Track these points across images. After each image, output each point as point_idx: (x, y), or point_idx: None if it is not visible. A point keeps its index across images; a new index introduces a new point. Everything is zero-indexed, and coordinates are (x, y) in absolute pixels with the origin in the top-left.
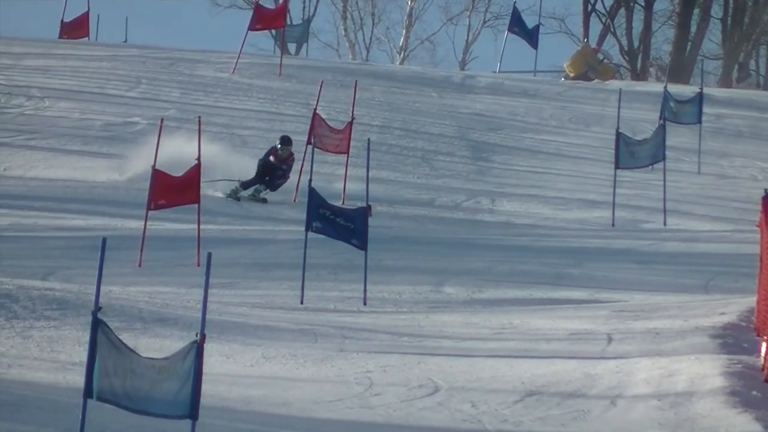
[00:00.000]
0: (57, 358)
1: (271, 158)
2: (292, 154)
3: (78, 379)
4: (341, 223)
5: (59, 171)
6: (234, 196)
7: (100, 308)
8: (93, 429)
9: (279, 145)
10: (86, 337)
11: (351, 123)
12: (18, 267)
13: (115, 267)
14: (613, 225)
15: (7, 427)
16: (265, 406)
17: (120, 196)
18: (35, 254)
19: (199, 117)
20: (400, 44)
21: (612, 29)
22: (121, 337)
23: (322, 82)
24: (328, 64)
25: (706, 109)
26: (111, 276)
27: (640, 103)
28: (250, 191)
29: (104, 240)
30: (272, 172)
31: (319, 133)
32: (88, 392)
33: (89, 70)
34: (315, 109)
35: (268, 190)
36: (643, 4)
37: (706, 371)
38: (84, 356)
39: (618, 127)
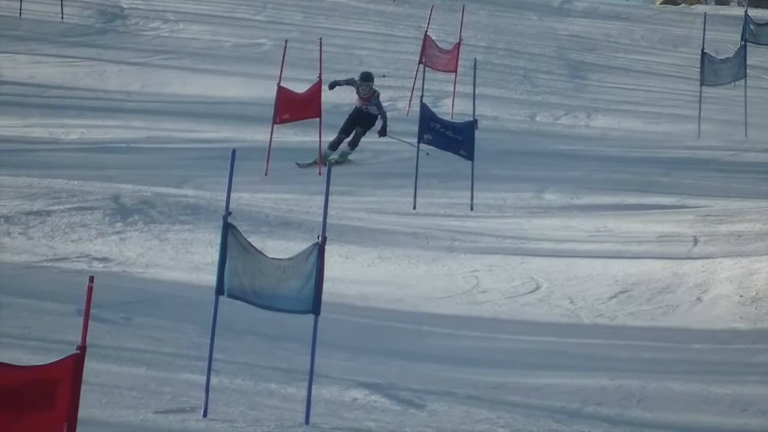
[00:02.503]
0: (191, 259)
1: (356, 102)
2: (374, 92)
3: (210, 278)
4: (450, 136)
5: (192, 88)
6: (330, 161)
7: (230, 213)
8: (224, 323)
9: (358, 82)
10: (217, 239)
11: (459, 44)
12: (155, 176)
13: (244, 176)
14: (698, 137)
15: (146, 322)
16: (380, 302)
17: (248, 111)
18: (170, 164)
19: (321, 38)
20: None
21: None
22: (249, 240)
23: (432, 6)
24: None
25: None
26: (240, 184)
27: (722, 26)
28: (336, 155)
29: (234, 151)
30: (363, 119)
31: (429, 53)
32: (219, 290)
33: None
34: (426, 32)
35: (352, 151)
36: None
37: None
38: (215, 257)
39: (703, 48)
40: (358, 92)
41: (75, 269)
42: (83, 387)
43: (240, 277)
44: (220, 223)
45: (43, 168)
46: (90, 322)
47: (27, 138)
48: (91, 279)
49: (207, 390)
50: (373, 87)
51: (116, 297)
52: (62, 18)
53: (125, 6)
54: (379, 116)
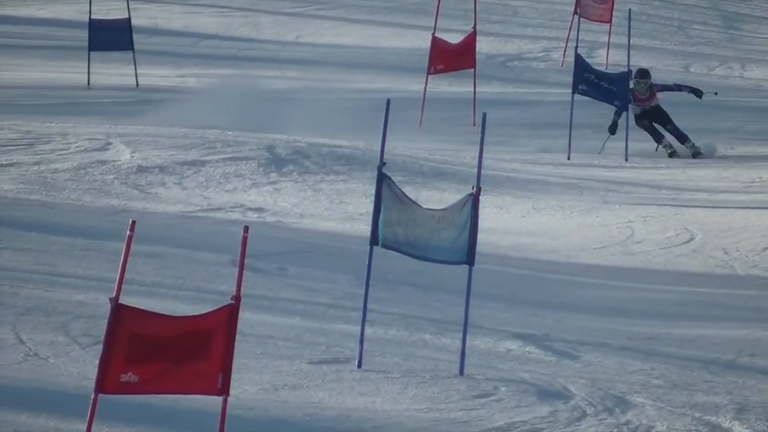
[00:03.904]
0: (345, 210)
1: (636, 105)
2: (654, 92)
3: (364, 228)
4: (605, 86)
5: (346, 38)
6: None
7: (384, 163)
8: (378, 273)
9: (634, 80)
10: (372, 190)
11: None
12: (309, 127)
13: (398, 126)
14: None
15: (301, 272)
16: (535, 253)
17: (402, 61)
18: (324, 115)
19: None
20: None
21: None
22: (403, 190)
23: None
24: None
25: None
26: (394, 134)
27: None
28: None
29: (388, 101)
30: (653, 116)
31: (584, 3)
32: (374, 240)
33: None
34: None
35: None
36: None
37: None
38: (369, 207)
39: None
40: (634, 97)
41: (229, 219)
42: (238, 337)
43: (394, 228)
44: (375, 173)
45: (198, 118)
46: (244, 272)
47: (181, 88)
48: (246, 229)
49: (361, 341)
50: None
51: (271, 247)
52: None
53: None
54: (678, 90)
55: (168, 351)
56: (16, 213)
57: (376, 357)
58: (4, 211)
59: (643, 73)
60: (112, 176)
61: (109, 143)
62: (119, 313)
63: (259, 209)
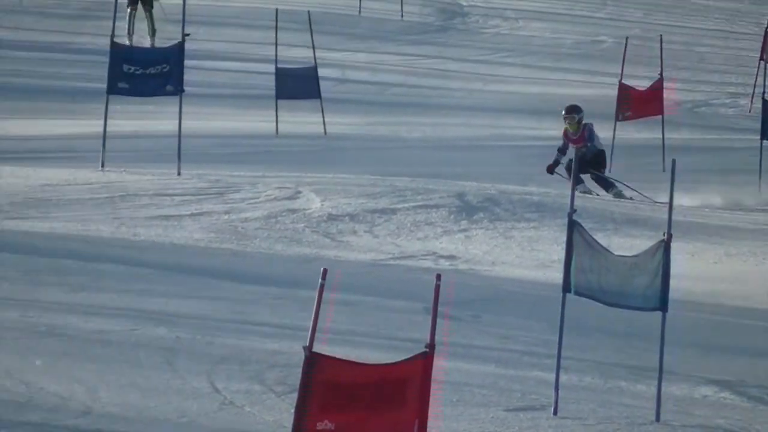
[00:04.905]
0: (537, 257)
1: (570, 144)
2: (585, 127)
3: (556, 276)
4: None
5: (533, 86)
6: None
7: (575, 211)
8: (571, 320)
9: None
10: (563, 237)
11: None
12: (498, 174)
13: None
14: None
15: (494, 319)
16: (728, 299)
17: (589, 108)
18: (515, 161)
19: (661, 35)
20: None
21: None
22: (594, 237)
23: None
24: None
25: None
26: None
27: None
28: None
29: (578, 149)
30: (586, 161)
31: None
32: (566, 287)
33: None
34: (767, 28)
35: (618, 188)
36: None
37: None
38: (561, 254)
39: None
40: (566, 135)
41: (421, 267)
42: (433, 384)
43: (586, 275)
44: (566, 220)
45: (387, 166)
46: (438, 320)
47: (370, 136)
48: (438, 277)
49: (557, 388)
50: (583, 120)
51: (463, 295)
52: (402, 16)
53: (465, 4)
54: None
55: (364, 399)
56: (208, 262)
57: (572, 404)
58: (196, 259)
59: (569, 109)
60: (302, 224)
61: (299, 192)
62: (314, 361)
63: (451, 257)
